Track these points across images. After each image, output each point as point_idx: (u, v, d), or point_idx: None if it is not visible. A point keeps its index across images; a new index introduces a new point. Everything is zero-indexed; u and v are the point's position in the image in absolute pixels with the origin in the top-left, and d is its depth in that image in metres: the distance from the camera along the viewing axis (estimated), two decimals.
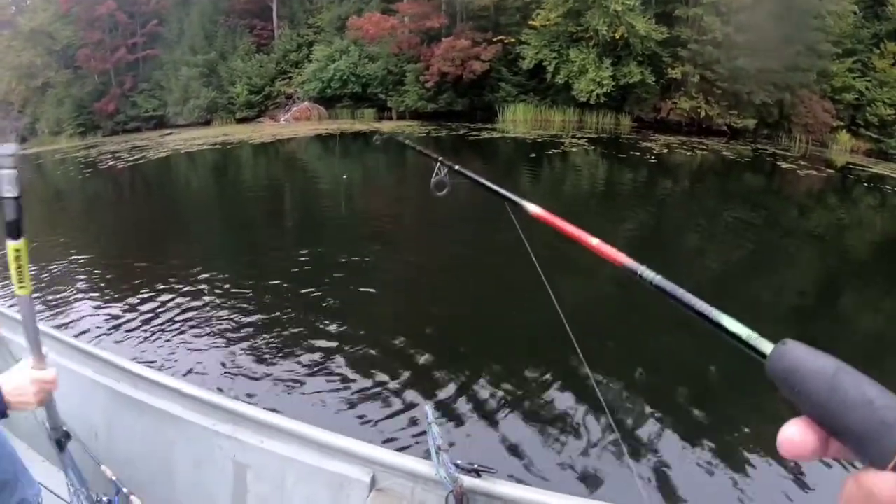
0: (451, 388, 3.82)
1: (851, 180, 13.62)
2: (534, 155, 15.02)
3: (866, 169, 15.00)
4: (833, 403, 0.32)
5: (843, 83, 17.91)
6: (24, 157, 19.47)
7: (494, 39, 21.73)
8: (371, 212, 9.73)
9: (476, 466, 1.32)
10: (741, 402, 3.76)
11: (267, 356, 4.32)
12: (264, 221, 9.77)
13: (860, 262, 7.60)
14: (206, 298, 5.51)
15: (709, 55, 18.00)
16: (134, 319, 5.09)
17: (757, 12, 17.05)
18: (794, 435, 0.34)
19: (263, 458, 1.57)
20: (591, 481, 2.96)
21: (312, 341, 4.51)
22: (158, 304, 5.41)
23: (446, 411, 3.55)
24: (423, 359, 4.25)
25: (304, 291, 5.57)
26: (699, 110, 18.48)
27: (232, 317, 5.07)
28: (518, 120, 21.38)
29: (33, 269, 5.73)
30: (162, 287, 5.81)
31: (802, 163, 14.94)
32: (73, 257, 7.16)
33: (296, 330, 4.75)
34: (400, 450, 1.48)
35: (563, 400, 3.66)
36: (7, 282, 6.22)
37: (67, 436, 1.52)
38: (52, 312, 5.32)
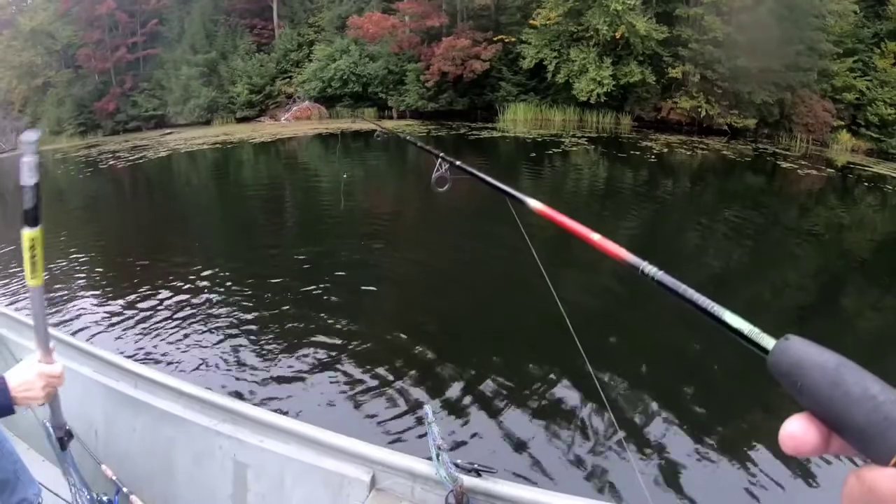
0: (451, 386, 3.82)
1: (852, 180, 13.60)
2: (534, 154, 15.01)
3: (867, 168, 14.98)
4: (835, 399, 0.31)
5: (843, 83, 17.88)
6: None
7: (495, 39, 21.73)
8: (372, 210, 9.73)
9: (476, 466, 1.32)
10: (743, 397, 3.77)
11: (267, 354, 4.32)
12: (265, 220, 9.77)
13: (861, 261, 7.59)
14: (207, 297, 5.52)
15: (709, 55, 17.97)
16: (134, 317, 5.10)
17: (758, 12, 17.04)
18: (796, 431, 0.33)
19: (263, 457, 1.57)
20: (593, 479, 2.96)
21: (313, 339, 4.51)
22: (158, 302, 5.42)
23: (446, 409, 3.55)
24: (424, 357, 4.25)
25: (304, 290, 5.57)
26: (700, 110, 18.45)
27: (232, 315, 5.07)
28: (518, 119, 21.37)
29: None
30: (162, 286, 5.82)
31: (803, 162, 14.93)
32: (73, 256, 7.17)
33: (296, 328, 4.75)
34: (400, 449, 1.47)
35: (564, 397, 3.66)
36: (7, 281, 6.22)
37: (70, 434, 1.52)
38: (52, 311, 5.32)
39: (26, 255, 1.11)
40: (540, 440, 3.27)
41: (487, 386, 3.82)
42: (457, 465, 1.31)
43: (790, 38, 16.89)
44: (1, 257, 7.27)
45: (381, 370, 4.01)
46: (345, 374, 3.99)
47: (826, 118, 17.76)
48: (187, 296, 5.55)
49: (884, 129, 17.28)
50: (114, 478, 1.67)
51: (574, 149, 15.83)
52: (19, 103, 30.80)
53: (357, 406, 3.62)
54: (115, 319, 5.12)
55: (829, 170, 14.55)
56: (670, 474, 2.99)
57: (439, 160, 1.52)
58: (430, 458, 1.36)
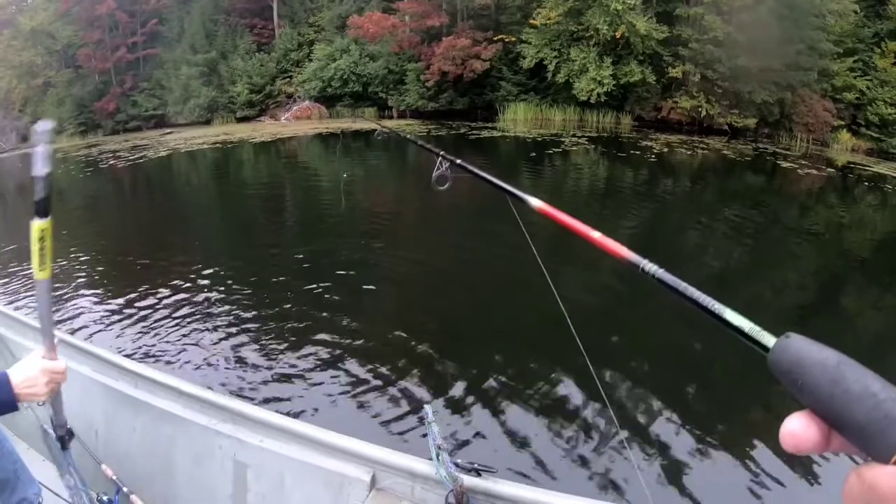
0: (452, 386, 3.82)
1: (852, 179, 13.60)
2: (534, 154, 15.02)
3: (867, 168, 14.97)
4: (836, 397, 0.31)
5: (843, 82, 17.87)
6: (26, 156, 19.46)
7: (495, 38, 21.72)
8: (372, 209, 9.73)
9: (476, 466, 1.32)
10: (744, 396, 3.77)
11: (267, 354, 4.32)
12: (265, 219, 9.78)
13: (861, 261, 7.59)
14: (207, 296, 5.52)
15: (709, 54, 17.96)
16: (134, 317, 5.10)
17: (758, 11, 17.02)
18: (797, 429, 0.33)
19: (263, 457, 1.57)
20: (594, 478, 2.96)
21: (313, 339, 4.51)
22: (158, 301, 5.42)
23: (447, 409, 3.55)
24: (424, 356, 4.25)
25: (304, 289, 5.57)
26: (700, 109, 18.44)
27: (232, 315, 5.07)
28: (518, 119, 21.36)
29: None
30: (162, 285, 5.82)
31: (803, 162, 14.93)
32: (73, 255, 7.16)
33: (296, 327, 4.75)
34: (400, 449, 1.47)
35: (565, 396, 3.66)
36: (7, 280, 6.22)
37: (71, 433, 1.52)
38: (53, 309, 5.31)
39: (35, 247, 1.08)
40: (540, 439, 3.26)
41: (488, 385, 3.82)
42: (457, 465, 1.31)
43: (790, 38, 16.88)
44: (1, 257, 7.27)
45: (381, 370, 4.01)
46: (345, 373, 3.99)
47: (826, 118, 17.75)
48: (187, 295, 5.55)
49: (884, 129, 17.27)
50: (114, 477, 1.67)
51: (574, 148, 15.82)
52: (19, 103, 30.80)
53: (357, 406, 3.62)
54: (115, 318, 5.12)
55: (829, 169, 14.54)
56: (672, 473, 2.98)
57: (440, 158, 1.52)
58: (430, 458, 1.36)
